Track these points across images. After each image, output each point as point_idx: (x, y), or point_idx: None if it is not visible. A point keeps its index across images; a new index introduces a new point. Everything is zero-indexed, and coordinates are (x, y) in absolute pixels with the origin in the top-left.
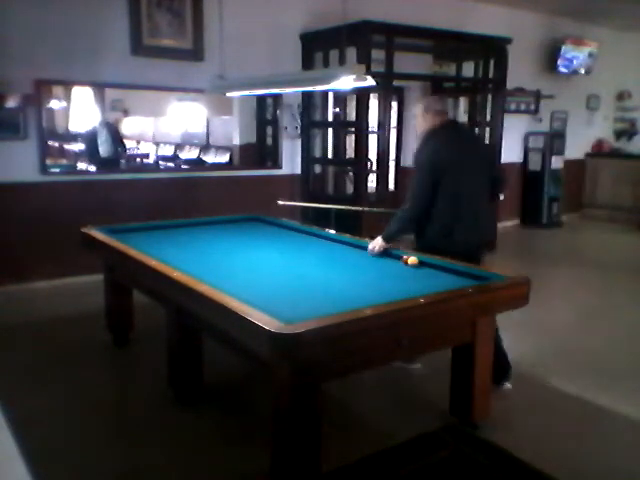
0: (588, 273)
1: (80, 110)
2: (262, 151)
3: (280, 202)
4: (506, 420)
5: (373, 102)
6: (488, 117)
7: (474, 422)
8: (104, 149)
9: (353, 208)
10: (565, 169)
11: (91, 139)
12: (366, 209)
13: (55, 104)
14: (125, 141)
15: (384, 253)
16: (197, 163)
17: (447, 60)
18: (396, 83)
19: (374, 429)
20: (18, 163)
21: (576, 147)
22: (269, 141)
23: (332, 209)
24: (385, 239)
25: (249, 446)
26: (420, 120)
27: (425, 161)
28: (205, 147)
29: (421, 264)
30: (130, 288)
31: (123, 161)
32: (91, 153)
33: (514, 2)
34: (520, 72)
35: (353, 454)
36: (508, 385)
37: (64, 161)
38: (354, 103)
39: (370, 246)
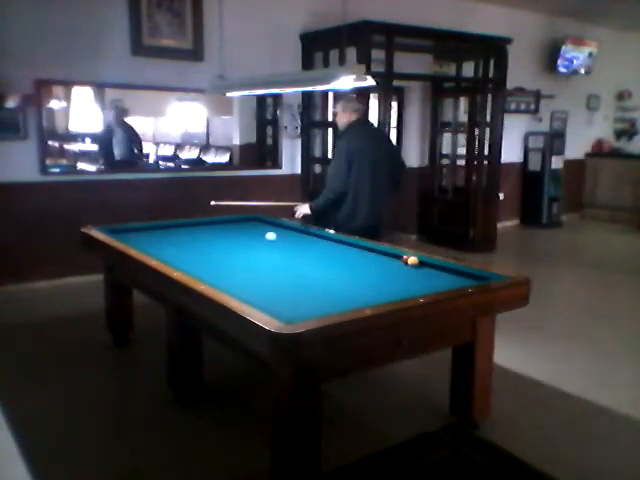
0: (588, 273)
1: (80, 110)
2: (262, 151)
3: (212, 203)
4: (506, 420)
5: (373, 102)
6: (488, 117)
7: (474, 422)
8: (118, 151)
9: (281, 204)
10: (565, 169)
11: (105, 139)
12: (298, 204)
13: (55, 104)
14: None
15: (388, 254)
16: (197, 163)
17: (447, 60)
18: (396, 83)
19: (374, 429)
20: (18, 163)
21: (576, 147)
22: (269, 141)
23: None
24: (312, 208)
25: (249, 446)
26: (339, 117)
27: (341, 150)
28: (205, 147)
29: (421, 264)
30: (130, 288)
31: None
32: (106, 154)
33: (514, 2)
34: (520, 72)
35: (353, 454)
36: None
37: (64, 161)
38: None
39: (297, 208)
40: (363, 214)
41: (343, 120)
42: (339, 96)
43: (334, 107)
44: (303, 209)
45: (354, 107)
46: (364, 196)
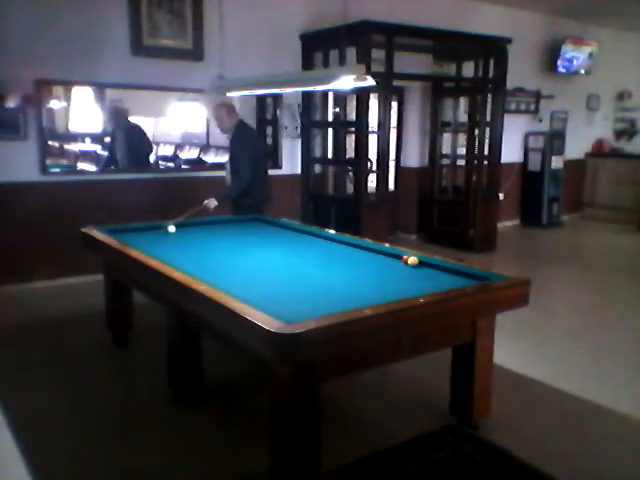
0: (588, 273)
1: (80, 110)
2: None
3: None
4: (506, 420)
5: (373, 102)
6: (488, 117)
7: (474, 422)
8: (120, 156)
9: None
10: (565, 169)
11: (110, 144)
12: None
13: (55, 104)
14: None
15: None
16: (197, 163)
17: (447, 60)
18: (396, 83)
19: (374, 429)
20: (18, 163)
21: (576, 147)
22: (269, 141)
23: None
24: (219, 200)
25: (249, 446)
26: (225, 119)
27: (246, 146)
28: (205, 147)
29: (421, 264)
30: (130, 288)
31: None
32: (107, 162)
33: (514, 2)
34: (520, 72)
35: (353, 454)
36: None
37: (64, 161)
38: (354, 103)
39: (207, 203)
40: (264, 196)
41: (229, 122)
42: (217, 104)
43: (212, 112)
44: (212, 203)
45: (235, 110)
46: (263, 183)
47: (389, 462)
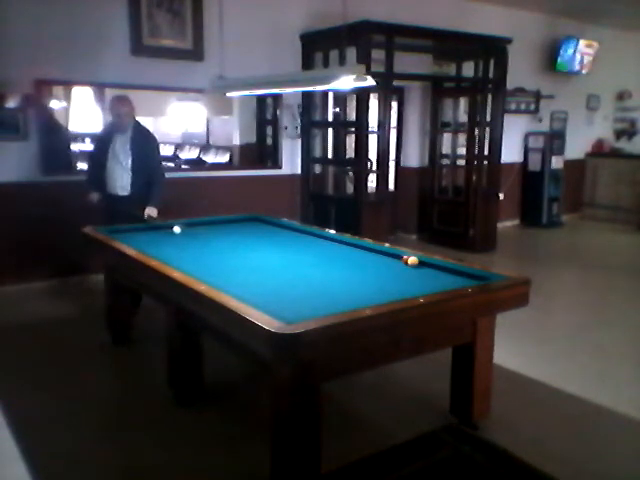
0: (588, 273)
1: (80, 110)
2: (262, 151)
3: None
4: (506, 420)
5: (373, 102)
6: (488, 117)
7: (474, 422)
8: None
9: None
10: (565, 169)
11: None
12: None
13: (55, 104)
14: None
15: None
16: (197, 163)
17: (447, 60)
18: (396, 83)
19: (374, 429)
20: (18, 163)
21: (576, 147)
22: (269, 141)
23: None
24: (157, 206)
25: (249, 446)
26: (131, 115)
27: (157, 146)
28: (205, 147)
29: (421, 264)
30: (130, 288)
31: None
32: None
33: (514, 2)
34: (520, 72)
35: (353, 454)
36: None
37: None
38: (354, 103)
39: (150, 213)
40: None
41: (131, 117)
42: (120, 98)
43: (120, 106)
44: (153, 212)
45: None
46: None
47: (389, 462)
